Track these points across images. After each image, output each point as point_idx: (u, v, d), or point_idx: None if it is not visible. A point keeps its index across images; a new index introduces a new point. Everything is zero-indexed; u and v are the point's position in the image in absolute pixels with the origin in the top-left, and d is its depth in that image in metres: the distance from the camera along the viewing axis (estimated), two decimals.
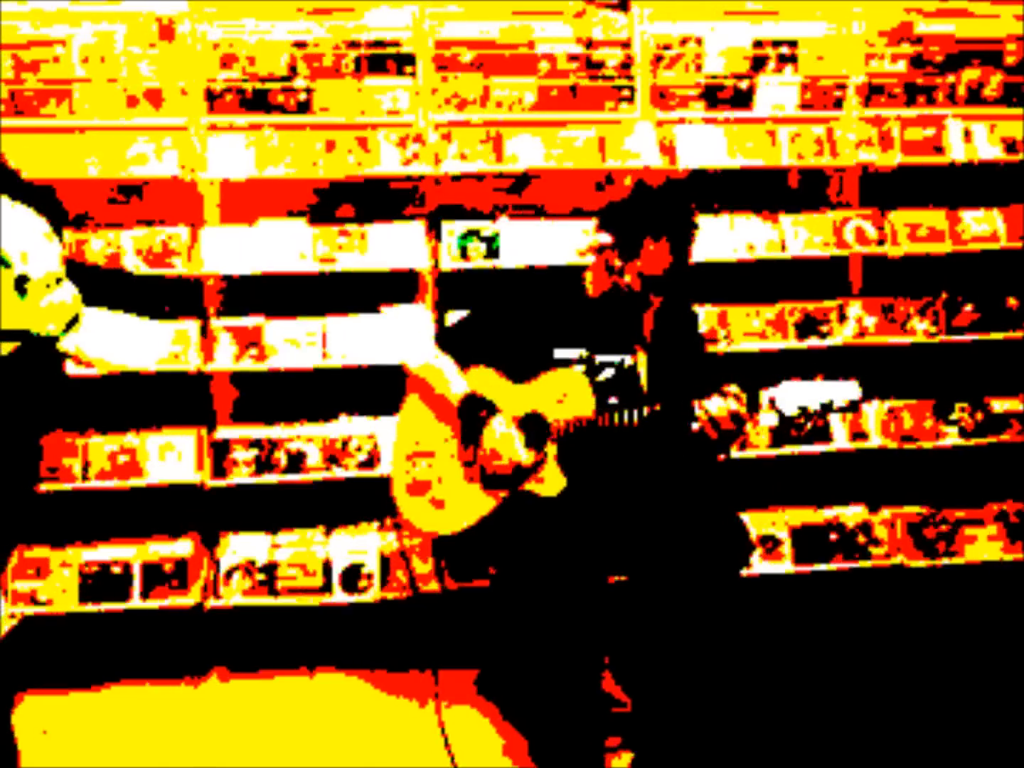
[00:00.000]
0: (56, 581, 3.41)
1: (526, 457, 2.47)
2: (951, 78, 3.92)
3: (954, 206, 3.91)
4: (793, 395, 2.27)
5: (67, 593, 3.41)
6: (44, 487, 3.44)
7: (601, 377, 2.52)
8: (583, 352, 2.53)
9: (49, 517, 3.55)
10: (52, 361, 1.89)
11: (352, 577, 3.48)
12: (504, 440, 2.48)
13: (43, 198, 1.86)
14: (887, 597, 3.66)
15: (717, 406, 2.26)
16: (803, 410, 2.26)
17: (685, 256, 2.47)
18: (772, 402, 2.27)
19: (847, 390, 2.27)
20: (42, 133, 3.56)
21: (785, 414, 2.27)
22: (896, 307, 3.83)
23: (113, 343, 1.76)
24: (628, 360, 2.55)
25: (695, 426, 2.28)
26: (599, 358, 2.54)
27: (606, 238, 2.48)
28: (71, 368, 3.36)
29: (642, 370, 2.56)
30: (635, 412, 2.36)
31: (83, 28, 3.59)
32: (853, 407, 2.27)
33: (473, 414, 2.53)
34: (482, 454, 2.51)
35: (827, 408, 2.26)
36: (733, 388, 2.28)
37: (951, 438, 3.80)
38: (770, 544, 3.62)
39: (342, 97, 3.67)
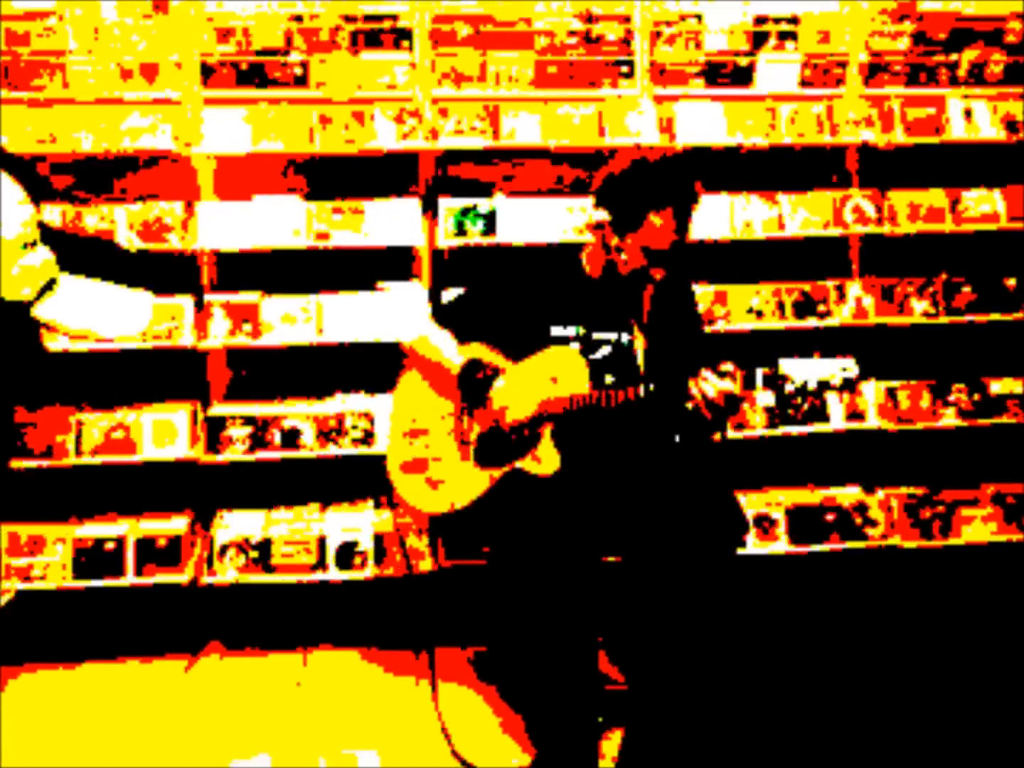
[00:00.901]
0: (50, 557, 3.40)
1: (539, 410, 2.45)
2: (953, 57, 3.90)
3: (954, 186, 3.89)
4: (790, 373, 2.26)
5: (61, 569, 3.40)
6: (37, 463, 3.43)
7: (597, 355, 2.51)
8: (579, 330, 2.52)
9: (43, 493, 3.54)
10: (27, 330, 1.86)
11: (347, 554, 3.48)
12: (515, 393, 2.46)
13: (17, 165, 1.83)
14: (883, 578, 3.66)
15: (713, 385, 2.24)
16: (800, 388, 2.25)
17: (686, 228, 2.44)
18: (768, 380, 2.25)
19: (844, 368, 2.25)
20: (35, 106, 3.52)
21: (781, 392, 2.25)
22: (895, 288, 3.81)
23: (92, 312, 1.72)
24: (625, 338, 2.54)
25: (691, 405, 2.26)
26: (596, 336, 2.52)
27: (603, 215, 2.45)
28: (63, 342, 3.36)
29: (639, 349, 2.54)
30: (631, 390, 2.34)
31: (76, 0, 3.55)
32: (850, 385, 2.25)
33: (476, 378, 2.51)
34: (492, 413, 2.49)
35: (824, 386, 2.24)
36: (729, 367, 2.26)
37: (948, 419, 3.79)
38: (766, 524, 3.62)
39: (339, 72, 3.63)
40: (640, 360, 2.54)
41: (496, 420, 2.50)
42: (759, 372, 2.26)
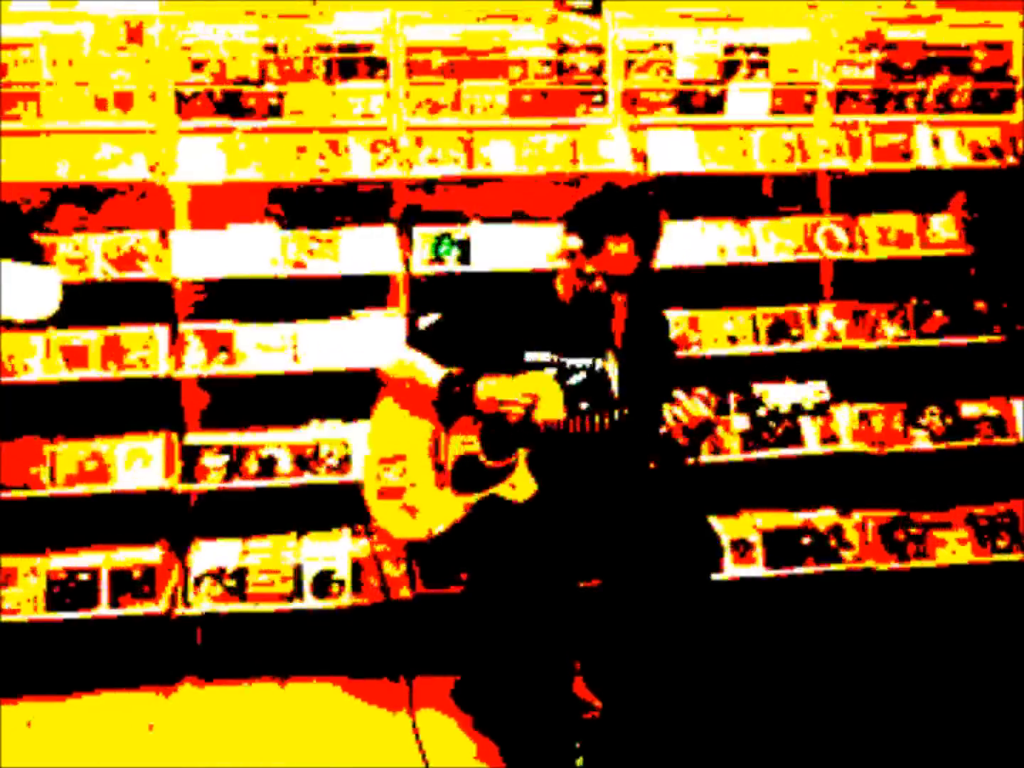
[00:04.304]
0: (23, 589, 3.36)
1: (522, 397, 2.45)
2: (920, 84, 3.96)
3: (923, 211, 3.94)
4: (763, 398, 2.27)
5: (34, 601, 3.36)
6: (10, 494, 3.41)
7: (572, 381, 2.52)
8: (554, 356, 2.53)
9: (16, 524, 3.51)
10: None
11: (323, 583, 3.46)
12: (497, 385, 2.46)
13: None
14: (859, 600, 3.67)
15: (687, 409, 2.26)
16: (773, 412, 2.26)
17: (649, 256, 2.47)
18: (741, 405, 2.27)
19: (816, 391, 2.28)
20: (9, 136, 3.52)
21: (756, 416, 2.27)
22: (867, 312, 3.85)
23: (9, 297, 1.67)
24: (599, 364, 2.55)
25: (665, 430, 2.28)
26: (570, 362, 2.54)
27: (576, 242, 2.47)
28: (37, 373, 3.33)
29: (612, 374, 2.56)
30: (605, 416, 2.36)
31: (51, 30, 3.56)
32: (822, 408, 2.27)
33: (454, 391, 2.51)
34: (481, 405, 2.49)
35: (797, 410, 2.26)
36: (703, 391, 2.28)
37: (921, 442, 3.82)
38: (742, 548, 3.63)
39: (313, 101, 3.65)
40: (614, 386, 2.55)
41: (486, 408, 2.49)
42: (732, 397, 2.27)
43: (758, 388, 2.29)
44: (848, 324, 3.83)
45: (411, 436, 2.65)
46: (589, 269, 2.47)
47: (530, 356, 2.54)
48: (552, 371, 2.52)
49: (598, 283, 2.46)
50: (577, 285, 2.51)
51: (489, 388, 2.49)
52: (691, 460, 2.50)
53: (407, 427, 2.66)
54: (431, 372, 2.57)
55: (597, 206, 2.47)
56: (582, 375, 2.54)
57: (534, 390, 2.48)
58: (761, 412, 2.26)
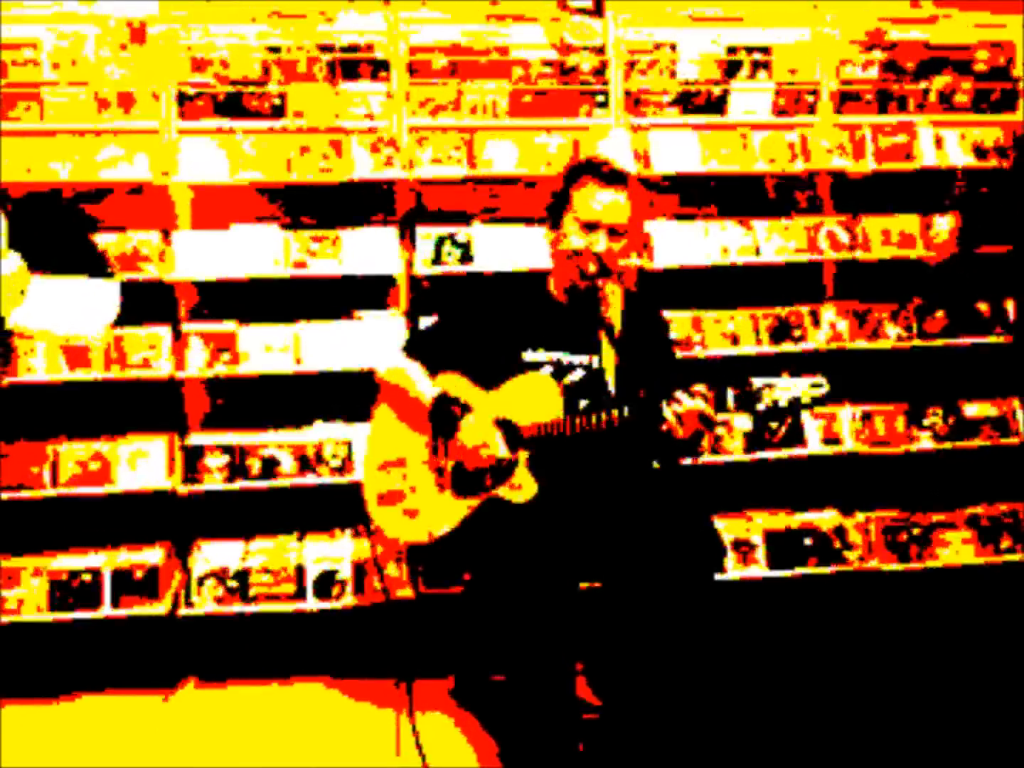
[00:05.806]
0: (25, 589, 3.36)
1: (505, 451, 2.46)
2: (923, 85, 3.95)
3: (926, 212, 3.93)
4: (760, 391, 2.25)
5: (36, 601, 3.36)
6: (12, 494, 3.41)
7: (569, 379, 2.52)
8: (551, 355, 2.53)
9: (18, 525, 3.51)
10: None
11: (326, 584, 3.46)
12: (482, 435, 2.47)
13: None
14: (861, 601, 3.67)
15: (685, 406, 2.25)
16: (773, 406, 2.25)
17: (623, 211, 2.48)
18: (739, 399, 2.25)
19: (814, 384, 2.26)
20: (11, 136, 3.52)
21: (755, 411, 2.26)
22: (869, 312, 3.85)
23: (58, 311, 1.63)
24: (596, 362, 2.55)
25: (664, 427, 2.27)
26: (567, 360, 2.54)
27: (578, 241, 2.47)
28: (39, 374, 3.34)
29: (610, 372, 2.55)
30: (604, 414, 2.36)
31: (53, 31, 3.56)
32: (821, 401, 2.26)
33: (446, 414, 2.52)
34: (459, 452, 2.50)
35: (796, 403, 2.24)
36: (701, 387, 2.27)
37: (924, 442, 3.82)
38: (745, 549, 3.63)
39: (315, 102, 3.65)
40: (612, 384, 2.55)
41: (466, 459, 2.50)
42: (729, 392, 2.26)
43: (753, 383, 2.27)
44: (850, 324, 3.83)
45: (409, 442, 2.65)
46: (592, 268, 2.46)
47: (528, 356, 2.54)
48: (549, 369, 2.52)
49: (604, 286, 2.46)
50: (571, 278, 2.51)
51: (474, 431, 2.48)
52: (691, 457, 2.50)
53: (405, 433, 2.66)
54: (424, 387, 2.57)
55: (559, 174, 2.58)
56: (580, 373, 2.54)
57: (531, 394, 2.48)
58: (760, 406, 2.25)
